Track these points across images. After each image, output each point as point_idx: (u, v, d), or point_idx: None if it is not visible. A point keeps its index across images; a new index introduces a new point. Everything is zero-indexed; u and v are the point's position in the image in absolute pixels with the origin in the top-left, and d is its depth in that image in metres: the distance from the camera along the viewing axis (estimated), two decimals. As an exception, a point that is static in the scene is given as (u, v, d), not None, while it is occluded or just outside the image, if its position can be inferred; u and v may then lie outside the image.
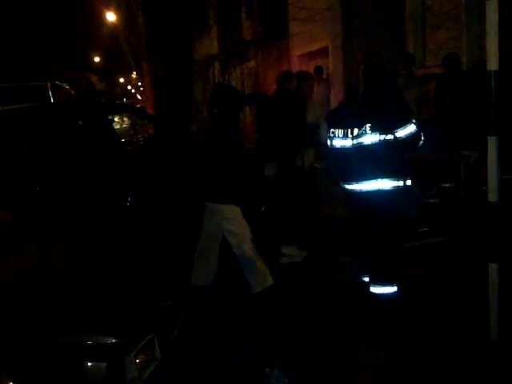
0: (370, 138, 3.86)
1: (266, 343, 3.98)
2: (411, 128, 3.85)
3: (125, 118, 18.02)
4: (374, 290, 4.12)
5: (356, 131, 3.92)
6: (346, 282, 4.89)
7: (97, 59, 35.64)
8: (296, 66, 14.81)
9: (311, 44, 13.57)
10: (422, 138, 3.99)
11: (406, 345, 3.81)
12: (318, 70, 11.44)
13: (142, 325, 2.82)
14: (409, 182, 3.94)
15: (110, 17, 19.39)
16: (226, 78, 23.65)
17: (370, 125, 3.83)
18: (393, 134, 3.84)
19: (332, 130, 4.15)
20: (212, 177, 4.67)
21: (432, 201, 5.06)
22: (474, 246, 4.52)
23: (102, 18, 20.94)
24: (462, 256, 4.88)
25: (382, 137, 3.84)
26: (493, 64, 3.36)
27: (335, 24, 11.42)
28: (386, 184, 3.89)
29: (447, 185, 4.87)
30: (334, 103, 10.50)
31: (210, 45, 22.98)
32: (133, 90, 53.87)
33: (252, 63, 19.74)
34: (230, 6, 19.09)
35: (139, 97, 46.61)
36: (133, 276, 3.25)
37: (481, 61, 5.97)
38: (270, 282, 4.73)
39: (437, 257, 5.10)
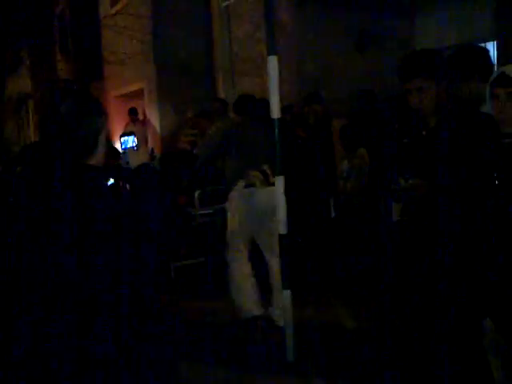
0: None
1: None
2: None
3: None
4: None
5: None
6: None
7: None
8: (113, 107, 14.76)
9: (127, 86, 13.63)
10: None
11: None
12: (133, 111, 11.57)
13: None
14: None
15: None
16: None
17: None
18: None
19: None
20: None
21: None
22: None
23: None
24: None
25: None
26: (275, 113, 3.80)
27: (148, 67, 11.65)
28: None
29: None
30: (151, 145, 10.66)
31: (22, 82, 21.88)
32: None
33: (68, 102, 19.17)
34: (43, 43, 18.45)
35: None
36: None
37: (289, 105, 6.76)
38: None
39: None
